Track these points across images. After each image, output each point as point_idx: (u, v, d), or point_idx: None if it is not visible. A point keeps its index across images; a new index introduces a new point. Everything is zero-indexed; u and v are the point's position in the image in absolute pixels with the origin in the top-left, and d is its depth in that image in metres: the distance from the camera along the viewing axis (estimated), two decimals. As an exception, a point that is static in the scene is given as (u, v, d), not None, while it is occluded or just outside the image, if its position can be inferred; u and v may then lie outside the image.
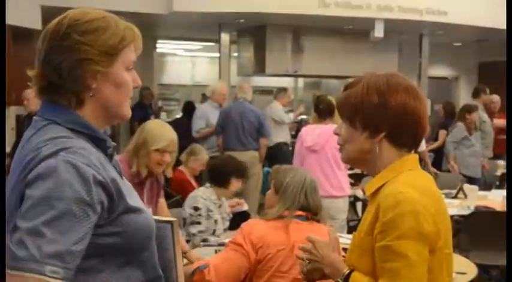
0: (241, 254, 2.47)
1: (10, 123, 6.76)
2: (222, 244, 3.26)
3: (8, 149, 6.29)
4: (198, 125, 6.89)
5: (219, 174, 3.96)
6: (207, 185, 4.00)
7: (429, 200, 1.48)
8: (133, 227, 1.30)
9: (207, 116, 6.89)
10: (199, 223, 3.81)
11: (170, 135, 3.03)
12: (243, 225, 2.60)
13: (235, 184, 3.96)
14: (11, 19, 5.86)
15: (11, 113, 6.77)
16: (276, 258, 2.45)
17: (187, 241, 3.69)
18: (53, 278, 1.16)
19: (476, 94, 7.79)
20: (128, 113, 1.39)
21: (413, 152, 1.62)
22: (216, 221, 3.87)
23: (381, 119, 1.54)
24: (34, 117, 1.35)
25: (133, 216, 1.30)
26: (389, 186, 1.51)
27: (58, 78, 1.30)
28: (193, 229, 3.80)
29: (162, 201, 3.30)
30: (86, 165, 1.22)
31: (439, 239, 1.48)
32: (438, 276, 1.50)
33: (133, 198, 1.34)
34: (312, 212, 2.60)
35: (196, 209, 3.83)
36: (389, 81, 1.56)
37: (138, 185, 3.01)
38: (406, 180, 1.51)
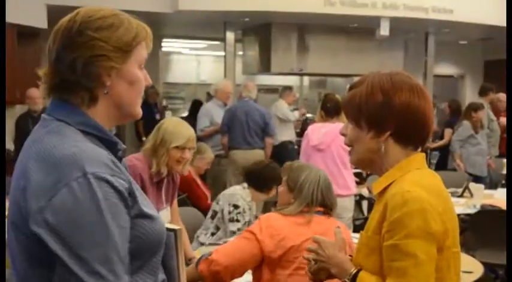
0: (253, 242, 2.46)
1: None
2: (226, 242, 3.26)
3: (10, 147, 6.32)
4: (203, 123, 6.89)
5: (261, 179, 4.03)
6: (245, 185, 4.07)
7: (437, 198, 1.48)
8: (146, 232, 1.29)
9: (211, 114, 6.89)
10: (238, 221, 3.88)
11: (188, 132, 3.05)
12: (262, 216, 2.59)
13: (274, 191, 4.02)
14: (16, 18, 5.88)
15: (17, 111, 6.77)
16: (301, 249, 2.42)
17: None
18: None
19: (483, 92, 7.76)
20: (139, 111, 1.39)
21: (419, 150, 1.61)
22: (247, 223, 3.90)
23: (386, 118, 1.53)
24: (43, 115, 1.34)
25: (146, 221, 1.30)
26: (396, 185, 1.51)
27: (72, 75, 1.28)
28: (233, 227, 3.86)
29: (175, 203, 3.30)
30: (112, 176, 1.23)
31: (447, 238, 1.47)
32: (446, 275, 1.49)
33: (145, 203, 1.33)
34: (328, 208, 2.61)
35: (236, 207, 3.91)
36: (393, 79, 1.56)
37: (157, 185, 3.03)
38: (414, 179, 1.51)
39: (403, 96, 1.53)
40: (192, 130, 3.10)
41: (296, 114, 8.34)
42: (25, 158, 1.27)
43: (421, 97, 1.55)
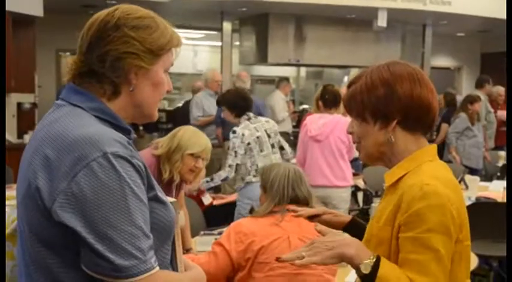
0: (221, 253, 2.44)
1: (11, 111, 6.75)
2: (221, 233, 3.27)
3: (11, 138, 6.30)
4: (195, 113, 6.90)
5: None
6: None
7: (453, 193, 1.48)
8: (160, 217, 1.29)
9: (202, 105, 6.90)
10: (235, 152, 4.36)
11: (205, 141, 3.06)
12: (232, 224, 2.57)
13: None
14: (11, 5, 5.83)
15: (12, 99, 6.75)
16: (271, 249, 2.41)
17: None
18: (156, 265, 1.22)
19: (479, 85, 7.77)
20: (156, 114, 1.41)
21: (428, 135, 1.61)
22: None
23: (391, 109, 1.53)
24: (56, 102, 1.34)
25: (160, 206, 1.31)
26: (413, 177, 1.49)
27: (101, 67, 1.30)
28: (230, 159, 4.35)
29: (182, 194, 3.31)
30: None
31: (460, 232, 1.47)
32: (457, 268, 1.49)
33: (159, 189, 1.33)
34: (302, 203, 2.56)
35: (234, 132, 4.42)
36: (391, 69, 1.55)
37: (167, 183, 3.01)
38: (430, 171, 1.50)
39: (405, 85, 1.53)
40: (208, 141, 3.11)
41: (286, 113, 8.25)
42: (38, 141, 1.26)
43: (422, 83, 1.55)
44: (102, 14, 1.34)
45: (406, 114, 1.53)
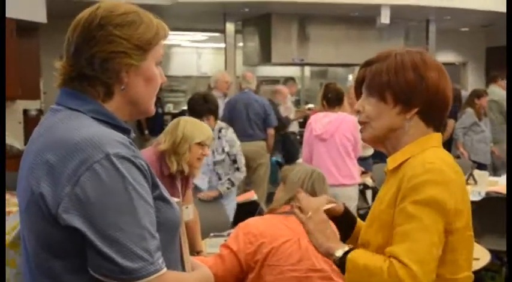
0: (229, 256, 2.40)
1: (17, 117, 6.75)
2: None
3: (18, 145, 6.31)
4: None
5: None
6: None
7: (457, 177, 1.46)
8: (165, 215, 1.28)
9: None
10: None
11: (207, 128, 3.14)
12: (240, 224, 2.53)
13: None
14: (15, 13, 5.84)
15: (19, 107, 6.76)
16: (282, 251, 2.37)
17: None
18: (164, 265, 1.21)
19: (493, 79, 7.75)
20: (153, 109, 1.39)
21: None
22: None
23: (416, 95, 1.50)
24: (52, 106, 1.33)
25: (165, 205, 1.30)
26: (417, 158, 1.47)
27: (90, 70, 1.28)
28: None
29: (189, 193, 3.32)
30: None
31: (458, 220, 1.43)
32: (460, 257, 1.46)
33: (164, 188, 1.32)
34: None
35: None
36: (423, 57, 1.54)
37: (170, 178, 3.03)
38: (435, 154, 1.48)
39: (434, 76, 1.52)
40: (209, 128, 3.19)
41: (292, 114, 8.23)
42: (37, 147, 1.25)
43: (446, 78, 1.56)
44: (85, 14, 1.31)
45: (429, 105, 1.51)
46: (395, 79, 1.51)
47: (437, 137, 1.56)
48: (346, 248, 1.49)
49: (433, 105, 1.52)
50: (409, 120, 1.52)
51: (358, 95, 1.62)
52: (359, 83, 1.61)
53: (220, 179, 4.41)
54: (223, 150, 4.42)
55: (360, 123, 1.59)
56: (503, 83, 7.77)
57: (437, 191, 1.39)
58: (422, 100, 1.51)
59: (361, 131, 1.60)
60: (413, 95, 1.50)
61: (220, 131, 4.41)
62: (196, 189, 4.18)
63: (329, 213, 1.72)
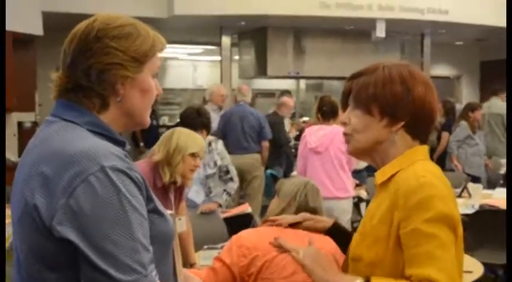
0: (222, 269, 2.37)
1: (12, 130, 6.75)
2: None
3: (12, 157, 6.30)
4: None
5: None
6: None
7: (446, 188, 1.46)
8: (158, 229, 1.28)
9: None
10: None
11: (200, 139, 3.16)
12: (233, 237, 2.53)
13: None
14: (11, 25, 5.86)
15: (13, 119, 6.76)
16: (275, 263, 2.35)
17: None
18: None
19: (494, 93, 7.82)
20: (148, 120, 1.39)
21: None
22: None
23: (402, 108, 1.50)
24: (47, 118, 1.33)
25: (159, 218, 1.30)
26: (407, 171, 1.47)
27: (86, 81, 1.28)
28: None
29: (183, 205, 3.32)
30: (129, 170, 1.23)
31: (459, 229, 1.45)
32: (459, 264, 1.47)
33: (157, 201, 1.32)
34: (310, 213, 2.52)
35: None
36: (410, 70, 1.54)
37: (163, 190, 3.04)
38: (424, 167, 1.49)
39: (420, 89, 1.51)
40: (202, 139, 3.22)
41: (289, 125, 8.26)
42: (32, 159, 1.25)
43: (433, 92, 1.55)
44: (81, 26, 1.32)
45: (415, 118, 1.51)
46: (382, 92, 1.51)
47: (423, 150, 1.56)
48: (359, 280, 1.46)
49: (419, 119, 1.52)
50: (395, 133, 1.52)
51: (344, 107, 1.62)
52: (346, 95, 1.61)
53: (210, 192, 4.39)
54: (215, 164, 4.42)
55: (345, 135, 1.59)
56: (505, 95, 7.83)
57: (442, 204, 1.40)
58: (408, 113, 1.51)
59: (346, 143, 1.60)
60: (400, 107, 1.50)
61: (210, 144, 4.39)
62: (190, 203, 4.16)
63: (315, 229, 1.71)
